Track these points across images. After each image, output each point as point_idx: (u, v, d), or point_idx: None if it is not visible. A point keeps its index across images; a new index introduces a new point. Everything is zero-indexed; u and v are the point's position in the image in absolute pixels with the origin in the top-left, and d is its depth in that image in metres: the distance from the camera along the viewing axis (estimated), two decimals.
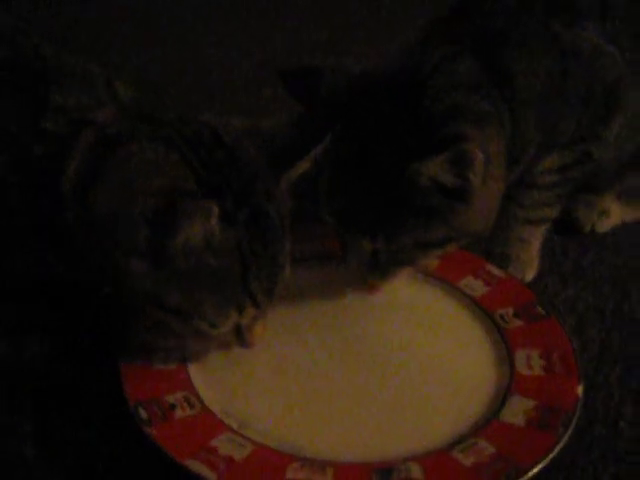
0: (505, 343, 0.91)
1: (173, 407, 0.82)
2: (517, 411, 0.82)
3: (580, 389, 0.85)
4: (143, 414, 0.80)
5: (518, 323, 0.94)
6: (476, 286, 0.99)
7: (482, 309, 0.96)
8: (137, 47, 1.56)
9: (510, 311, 0.95)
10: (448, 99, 0.87)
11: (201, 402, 0.83)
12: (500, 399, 0.84)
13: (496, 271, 1.01)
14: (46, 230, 0.79)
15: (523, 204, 1.03)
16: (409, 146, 0.85)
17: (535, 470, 0.76)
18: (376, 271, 0.93)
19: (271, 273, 0.78)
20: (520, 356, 0.89)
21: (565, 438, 0.79)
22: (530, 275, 1.05)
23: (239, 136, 0.79)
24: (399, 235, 0.88)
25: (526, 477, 0.75)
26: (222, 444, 0.78)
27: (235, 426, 0.81)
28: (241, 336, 0.83)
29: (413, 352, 0.91)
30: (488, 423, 0.82)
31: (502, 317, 0.94)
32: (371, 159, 0.87)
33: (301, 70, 0.94)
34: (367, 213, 0.88)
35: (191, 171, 0.74)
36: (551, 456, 0.77)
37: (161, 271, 0.74)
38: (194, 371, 0.86)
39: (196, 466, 0.75)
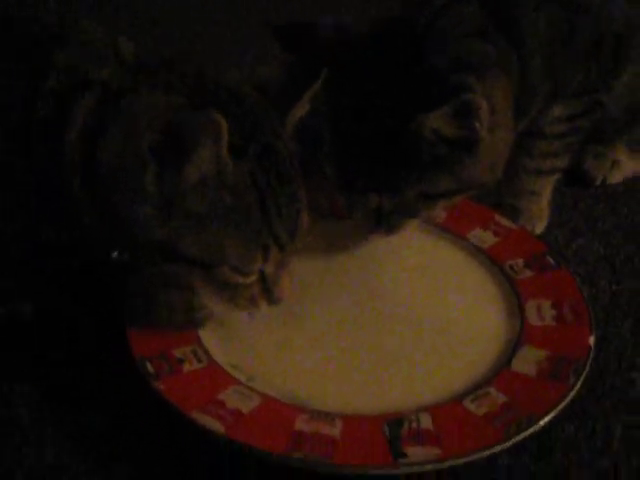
0: (515, 293, 0.90)
1: (180, 361, 0.81)
2: (528, 361, 0.82)
3: (592, 339, 0.84)
4: (150, 368, 0.79)
5: (528, 273, 0.92)
6: (485, 237, 0.98)
7: (492, 260, 0.95)
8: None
9: (520, 262, 0.94)
10: (451, 48, 0.85)
11: (209, 356, 0.82)
12: (511, 349, 0.84)
13: (505, 222, 1.00)
14: (50, 193, 0.77)
15: (533, 154, 1.01)
16: (412, 97, 0.83)
17: (546, 419, 0.75)
18: (382, 225, 0.91)
19: (292, 211, 0.75)
20: (531, 306, 0.88)
21: (577, 387, 0.78)
22: (540, 227, 1.04)
23: (240, 82, 0.77)
24: (404, 188, 0.86)
25: (537, 426, 0.75)
26: (230, 397, 0.77)
27: (243, 379, 0.80)
28: (268, 290, 0.79)
29: (423, 304, 0.90)
30: (499, 373, 0.81)
31: (512, 268, 0.93)
32: (373, 112, 0.85)
33: (295, 25, 0.91)
34: (371, 167, 0.86)
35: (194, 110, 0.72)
36: (562, 405, 0.77)
37: (173, 215, 0.71)
38: None
39: (204, 419, 0.74)
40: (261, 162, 0.73)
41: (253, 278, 0.77)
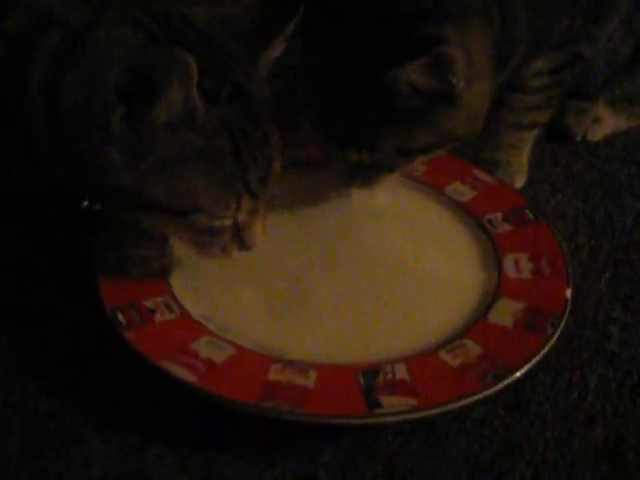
0: (493, 247, 0.89)
1: (152, 312, 0.79)
2: (505, 313, 0.81)
3: (569, 292, 0.83)
4: (121, 318, 0.77)
5: (507, 227, 0.92)
6: (464, 191, 0.97)
7: (470, 214, 0.94)
8: None
9: (499, 216, 0.93)
10: None
11: (180, 307, 0.81)
12: (488, 301, 0.83)
13: (484, 176, 0.99)
14: (14, 138, 0.75)
15: (513, 108, 1.00)
16: (386, 46, 0.81)
17: (523, 371, 0.75)
18: (359, 178, 0.90)
19: (265, 156, 0.73)
20: (508, 259, 0.87)
21: (553, 340, 0.78)
22: (520, 182, 1.03)
23: (209, 20, 0.74)
24: (381, 141, 0.85)
25: (513, 377, 0.74)
26: (202, 347, 0.76)
27: (216, 330, 0.79)
28: (239, 237, 0.78)
29: (399, 256, 0.89)
30: (475, 324, 0.80)
31: (490, 222, 0.92)
32: (348, 60, 0.83)
33: None
34: (348, 118, 0.84)
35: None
36: (539, 357, 0.76)
37: (141, 159, 0.69)
38: (173, 278, 0.84)
39: (176, 369, 0.73)
40: (233, 104, 0.71)
41: (226, 224, 0.75)
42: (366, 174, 0.89)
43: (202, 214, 0.73)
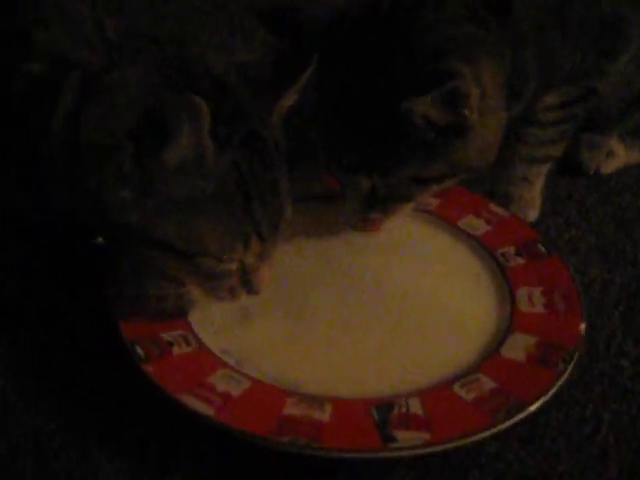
0: (506, 281, 0.90)
1: (170, 345, 0.81)
2: (518, 347, 0.82)
3: (583, 326, 0.84)
4: (140, 351, 0.79)
5: (520, 261, 0.92)
6: (478, 225, 0.98)
7: (484, 247, 0.95)
8: None
9: (512, 249, 0.94)
10: (440, 29, 0.84)
11: (198, 340, 0.82)
12: (501, 335, 0.83)
13: (498, 210, 1.00)
14: (32, 173, 0.77)
15: (527, 141, 1.01)
16: (401, 79, 0.82)
17: (536, 405, 0.75)
18: (375, 208, 0.91)
19: (275, 202, 0.75)
20: (522, 293, 0.88)
21: (566, 374, 0.78)
22: (533, 215, 1.04)
23: (226, 67, 0.76)
24: (396, 170, 0.86)
25: (526, 412, 0.75)
26: (219, 381, 0.77)
27: (232, 363, 0.80)
28: (247, 280, 0.79)
29: (414, 289, 0.90)
30: (489, 359, 0.81)
31: (504, 255, 0.93)
32: (362, 95, 0.84)
33: (280, 9, 0.90)
34: (363, 149, 0.86)
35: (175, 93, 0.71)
36: (552, 392, 0.77)
37: (150, 199, 0.71)
38: (191, 311, 0.85)
39: (193, 402, 0.74)
40: (245, 150, 0.72)
41: (232, 267, 0.76)
42: (381, 204, 0.91)
43: (209, 257, 0.74)
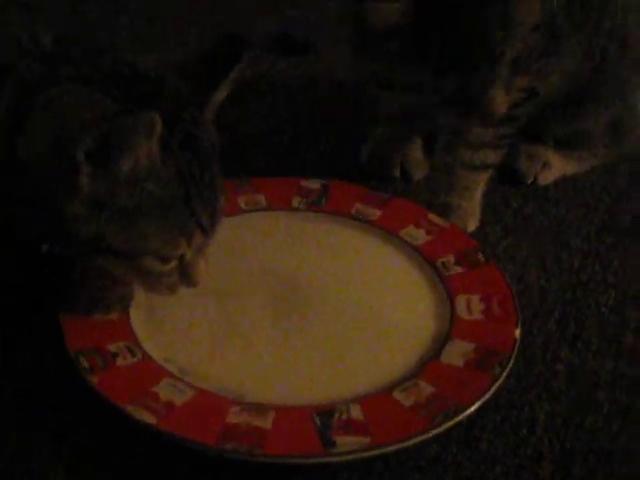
0: (446, 289, 0.92)
1: (114, 356, 0.81)
2: (457, 353, 0.84)
3: (518, 332, 0.86)
4: (84, 363, 0.79)
5: (459, 270, 0.95)
6: (418, 235, 1.00)
7: (423, 257, 0.97)
8: None
9: (451, 258, 0.96)
10: None
11: (142, 350, 0.83)
12: (440, 342, 0.86)
13: (438, 220, 1.02)
14: None
15: (468, 141, 1.04)
16: None
17: (472, 409, 0.78)
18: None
19: (212, 197, 0.78)
20: (460, 301, 0.90)
21: (502, 378, 0.81)
22: (472, 225, 1.07)
23: (156, 68, 0.78)
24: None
25: (464, 415, 0.77)
26: (163, 390, 0.78)
27: (176, 373, 0.81)
28: (186, 275, 0.81)
29: (354, 298, 0.92)
30: (428, 364, 0.83)
31: (443, 264, 0.96)
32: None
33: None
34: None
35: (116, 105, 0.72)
36: (488, 395, 0.79)
37: (102, 212, 0.73)
38: (135, 321, 0.86)
39: (137, 412, 0.75)
40: (183, 152, 0.75)
41: (173, 265, 0.79)
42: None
43: (151, 256, 0.77)
